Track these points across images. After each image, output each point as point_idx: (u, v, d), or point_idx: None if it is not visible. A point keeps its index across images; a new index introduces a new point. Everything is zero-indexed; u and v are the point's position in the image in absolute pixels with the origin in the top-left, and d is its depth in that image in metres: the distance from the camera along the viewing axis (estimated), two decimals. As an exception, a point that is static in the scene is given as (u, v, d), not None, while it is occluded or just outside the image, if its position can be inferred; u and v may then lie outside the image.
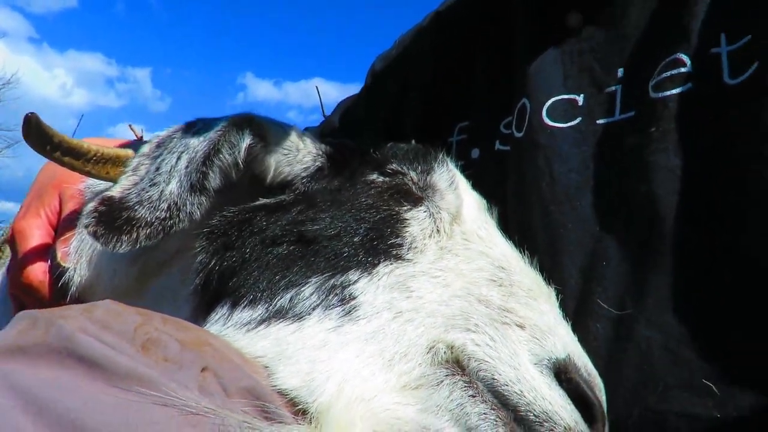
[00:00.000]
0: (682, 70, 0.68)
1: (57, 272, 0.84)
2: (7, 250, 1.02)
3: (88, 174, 0.79)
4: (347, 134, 1.18)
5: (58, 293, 0.84)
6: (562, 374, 0.54)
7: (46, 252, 0.87)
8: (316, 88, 3.03)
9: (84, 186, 0.90)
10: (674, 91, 0.68)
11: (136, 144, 1.06)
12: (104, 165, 0.79)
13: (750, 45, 0.64)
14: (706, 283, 0.61)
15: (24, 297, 0.90)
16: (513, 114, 0.86)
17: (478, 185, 0.84)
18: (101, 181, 0.83)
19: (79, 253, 0.84)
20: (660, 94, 0.69)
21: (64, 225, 0.88)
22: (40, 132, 0.70)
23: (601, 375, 0.58)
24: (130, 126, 2.61)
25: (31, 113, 0.69)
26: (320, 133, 1.27)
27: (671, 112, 0.67)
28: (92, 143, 0.84)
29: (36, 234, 0.88)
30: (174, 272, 0.77)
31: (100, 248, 0.81)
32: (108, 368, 0.38)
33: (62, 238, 0.86)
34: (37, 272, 0.85)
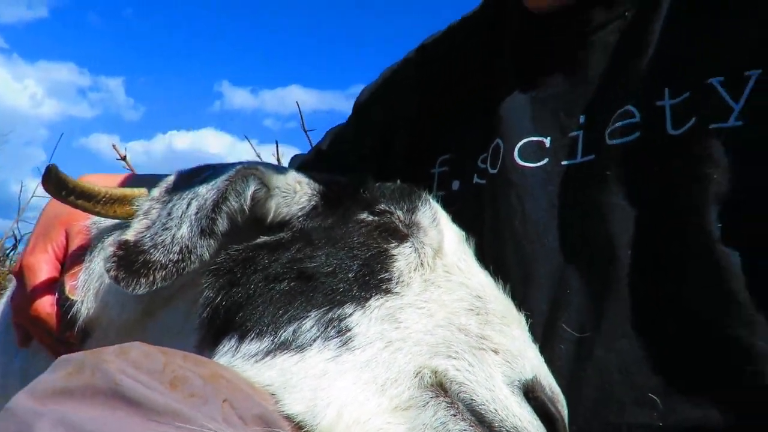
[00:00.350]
0: (632, 120, 0.78)
1: (65, 305, 0.89)
2: (13, 280, 1.08)
3: (98, 214, 0.86)
4: (336, 162, 1.25)
5: (66, 325, 0.90)
6: (530, 393, 0.63)
7: (53, 285, 0.93)
8: (297, 103, 3.11)
9: (89, 222, 0.96)
10: (626, 139, 0.78)
11: (136, 179, 1.12)
12: (112, 205, 0.86)
13: (689, 101, 0.74)
14: (653, 325, 0.70)
15: (31, 328, 0.95)
16: (488, 151, 0.95)
17: (458, 216, 0.93)
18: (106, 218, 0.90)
19: (86, 287, 0.89)
20: (614, 141, 0.79)
21: (71, 260, 0.94)
22: (58, 181, 0.77)
23: (564, 391, 0.67)
24: (113, 146, 2.65)
25: (52, 165, 0.76)
26: (311, 160, 1.34)
27: (624, 159, 0.77)
28: (101, 185, 0.91)
29: (44, 268, 0.94)
30: (179, 306, 0.83)
31: (108, 283, 0.87)
32: (147, 406, 0.45)
33: (70, 272, 0.92)
34: (46, 305, 0.91)
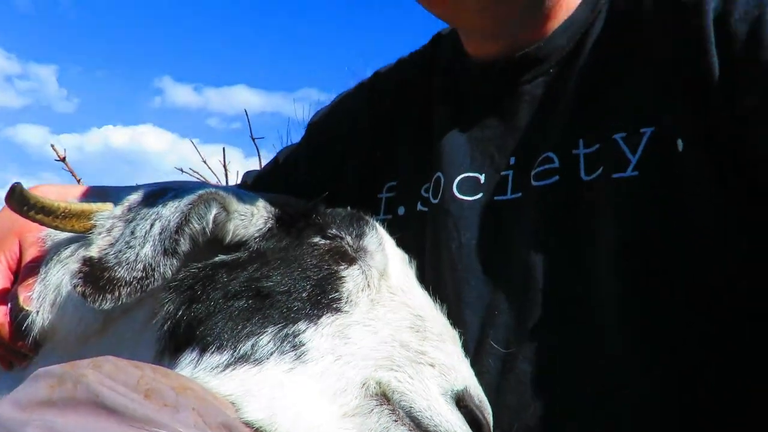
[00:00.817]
0: (552, 165, 0.90)
1: (18, 316, 0.91)
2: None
3: (56, 228, 0.89)
4: (290, 181, 1.31)
5: (18, 335, 0.92)
6: (461, 402, 0.73)
7: (6, 296, 0.95)
8: (245, 111, 3.12)
9: (44, 234, 0.98)
10: (546, 182, 0.89)
11: (92, 192, 1.14)
12: (70, 219, 0.89)
13: (598, 152, 0.86)
14: (562, 343, 0.82)
15: (-18, 338, 0.96)
16: (431, 182, 1.05)
17: (402, 240, 1.02)
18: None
19: (42, 298, 0.91)
20: (537, 183, 0.90)
21: (25, 271, 0.96)
22: (21, 198, 0.80)
23: (490, 399, 0.78)
24: (52, 146, 2.58)
25: (17, 183, 0.79)
26: (266, 176, 1.39)
27: (544, 199, 0.89)
28: (57, 197, 0.93)
29: None
30: (137, 317, 0.87)
31: (65, 295, 0.90)
32: (127, 414, 0.50)
33: (24, 283, 0.94)
34: None
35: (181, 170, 3.03)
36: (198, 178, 2.96)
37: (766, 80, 0.72)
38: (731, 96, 0.75)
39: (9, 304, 0.93)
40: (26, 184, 0.85)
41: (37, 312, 0.90)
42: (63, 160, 2.62)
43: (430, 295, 0.93)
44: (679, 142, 0.78)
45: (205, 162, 2.99)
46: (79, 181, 2.64)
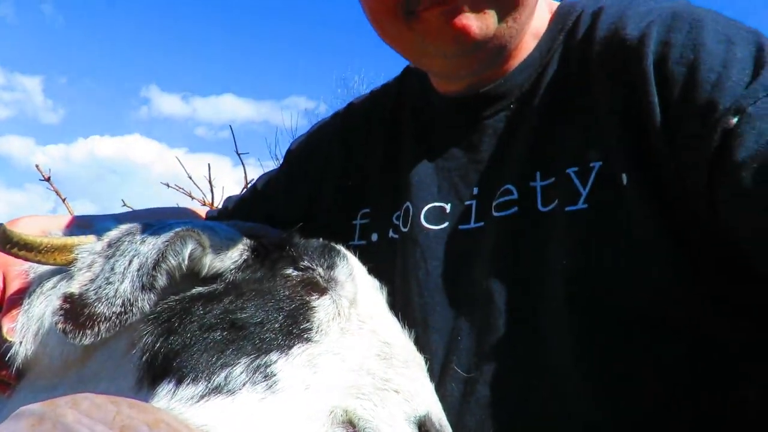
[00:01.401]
0: (511, 197, 0.95)
1: (2, 346, 0.95)
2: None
3: (39, 262, 0.92)
4: (269, 207, 1.35)
5: (1, 364, 0.95)
6: (423, 427, 0.77)
7: (-11, 327, 0.98)
8: (230, 127, 3.16)
9: (28, 267, 1.02)
10: (506, 213, 0.94)
11: (78, 224, 1.18)
12: (52, 253, 0.92)
13: (554, 185, 0.91)
14: (519, 368, 0.87)
15: (-34, 367, 0.99)
16: (401, 210, 1.10)
17: (376, 266, 1.06)
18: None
19: (25, 330, 0.95)
20: (497, 214, 0.95)
21: (9, 302, 0.99)
22: (4, 237, 0.84)
23: (453, 422, 0.83)
24: (36, 166, 2.60)
25: (1, 225, 0.83)
26: (246, 201, 1.43)
27: (504, 228, 0.93)
28: (41, 228, 0.97)
29: None
30: (117, 347, 0.90)
31: (48, 327, 0.93)
32: (101, 451, 0.54)
33: (8, 315, 0.97)
34: None
35: (168, 185, 3.06)
36: (184, 194, 2.99)
37: (698, 122, 0.77)
38: (670, 135, 0.80)
39: None
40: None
41: (21, 343, 0.94)
42: (48, 180, 2.64)
43: (399, 321, 0.98)
44: (624, 177, 0.83)
45: (190, 178, 3.02)
46: (63, 200, 2.67)
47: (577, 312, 0.83)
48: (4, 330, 0.95)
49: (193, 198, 3.01)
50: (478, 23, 0.90)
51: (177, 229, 0.85)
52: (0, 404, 0.99)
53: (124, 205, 2.87)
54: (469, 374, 0.88)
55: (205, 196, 3.03)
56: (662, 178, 0.80)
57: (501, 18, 0.92)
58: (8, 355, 0.93)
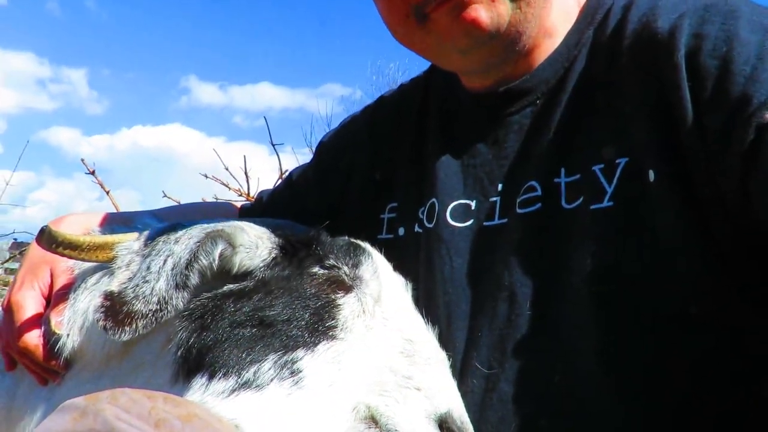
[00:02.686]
0: (535, 194, 0.94)
1: (51, 338, 1.01)
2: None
3: (82, 260, 0.98)
4: (300, 200, 1.38)
5: (51, 355, 1.02)
6: (444, 424, 0.79)
7: (39, 320, 1.04)
8: (265, 118, 3.21)
9: (72, 263, 1.08)
10: (529, 209, 0.94)
11: (112, 219, 1.24)
12: (94, 251, 0.98)
13: (579, 182, 0.90)
14: (541, 364, 0.87)
15: (19, 357, 1.06)
16: (426, 206, 1.11)
17: (402, 260, 1.08)
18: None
19: (71, 323, 1.01)
20: (521, 210, 0.95)
21: (56, 297, 1.06)
22: (50, 237, 0.89)
23: (474, 416, 0.84)
24: (82, 160, 2.71)
25: (47, 226, 0.88)
26: (279, 194, 1.47)
27: (527, 225, 0.93)
28: (84, 226, 1.02)
29: (31, 305, 1.05)
30: (154, 342, 0.95)
31: (92, 320, 0.99)
32: (138, 444, 0.58)
33: (55, 309, 1.03)
34: (33, 338, 1.02)
35: (206, 176, 3.15)
36: (221, 184, 3.07)
37: (731, 116, 0.75)
38: (702, 129, 0.78)
39: (43, 328, 1.03)
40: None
41: (67, 335, 1.00)
42: (93, 173, 2.76)
43: (424, 317, 0.99)
44: (651, 173, 0.82)
45: (227, 169, 3.10)
46: (107, 192, 2.78)
47: (601, 309, 0.83)
48: (53, 323, 1.01)
49: (229, 188, 3.09)
50: (488, 13, 0.90)
51: (208, 230, 0.88)
52: (50, 391, 1.06)
53: (165, 195, 2.97)
54: (491, 370, 0.90)
55: (241, 186, 3.10)
56: (691, 173, 0.79)
57: (514, 4, 0.92)
58: (57, 347, 1.00)
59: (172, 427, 0.62)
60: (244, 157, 2.91)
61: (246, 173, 2.98)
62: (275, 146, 3.10)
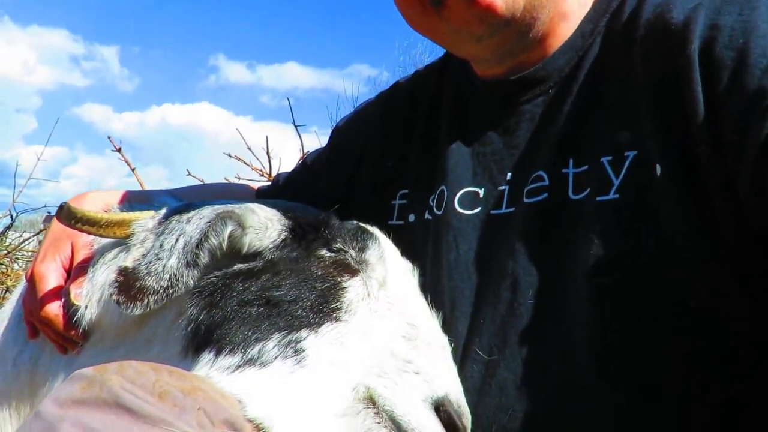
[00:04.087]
0: (542, 183, 0.94)
1: (70, 309, 1.05)
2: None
3: (100, 236, 1.02)
4: (313, 184, 1.40)
5: (71, 326, 1.06)
6: (441, 407, 0.81)
7: (60, 292, 1.09)
8: (288, 99, 3.23)
9: (92, 238, 1.12)
10: (536, 199, 0.94)
11: (137, 198, 1.27)
12: (112, 227, 1.01)
13: (587, 173, 0.89)
14: (542, 352, 0.87)
15: (41, 326, 1.11)
16: (436, 193, 1.11)
17: (411, 246, 1.09)
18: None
19: (89, 296, 1.05)
20: (528, 200, 0.95)
21: (76, 270, 1.10)
22: (69, 214, 0.93)
23: (473, 402, 0.85)
24: (109, 138, 2.77)
25: (66, 203, 0.92)
26: (295, 176, 1.49)
27: (534, 215, 0.93)
28: (105, 202, 1.06)
29: (52, 277, 1.10)
30: (167, 316, 0.99)
31: (109, 293, 1.03)
32: (141, 413, 0.61)
33: (75, 281, 1.08)
34: (53, 309, 1.06)
35: (229, 155, 3.19)
36: (244, 163, 3.11)
37: (747, 109, 0.73)
38: (715, 123, 0.76)
39: (63, 299, 1.07)
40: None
41: (86, 307, 1.04)
42: (119, 150, 2.82)
43: (429, 303, 1.01)
44: (658, 167, 0.81)
45: (249, 149, 3.14)
46: (133, 170, 2.85)
47: (603, 300, 0.83)
48: (72, 295, 1.05)
49: (252, 168, 3.14)
50: None
51: (219, 211, 0.90)
52: (71, 359, 1.11)
53: (189, 174, 3.03)
54: (491, 357, 0.90)
55: (263, 166, 3.14)
56: (700, 167, 0.78)
57: None
58: (75, 318, 1.04)
59: (174, 399, 0.65)
60: (267, 137, 2.95)
61: (268, 153, 3.01)
62: (297, 127, 3.12)
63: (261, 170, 3.13)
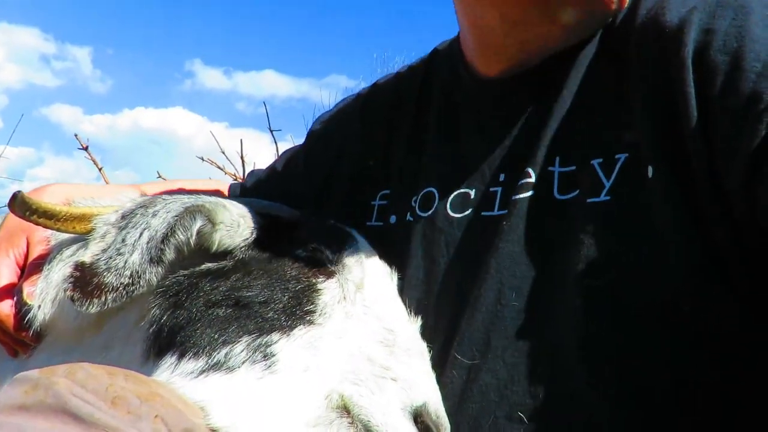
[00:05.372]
0: (530, 180, 0.91)
1: (23, 309, 0.98)
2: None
3: (58, 230, 0.95)
4: (288, 184, 1.35)
5: (21, 326, 0.99)
6: (419, 417, 0.76)
7: (12, 289, 1.01)
8: (264, 104, 3.18)
9: (50, 233, 1.05)
10: (523, 196, 0.91)
11: (100, 193, 1.20)
12: (71, 222, 0.94)
13: (574, 173, 0.87)
14: (527, 357, 0.84)
15: (-10, 327, 1.03)
16: (419, 195, 1.07)
17: (391, 249, 1.05)
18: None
19: (44, 294, 0.98)
20: (516, 197, 0.92)
21: (31, 267, 1.03)
22: (22, 203, 0.86)
23: (452, 409, 0.81)
24: (75, 135, 2.67)
25: (19, 191, 0.85)
26: (265, 178, 1.43)
27: (521, 214, 0.90)
28: (63, 204, 0.99)
29: (4, 273, 1.02)
30: (130, 316, 0.92)
31: (65, 293, 0.96)
32: (90, 421, 0.55)
33: (29, 279, 1.00)
34: (4, 307, 0.99)
35: (202, 159, 3.11)
36: (217, 167, 3.04)
37: (740, 114, 0.72)
38: (707, 127, 0.75)
39: (15, 298, 1.00)
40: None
41: (39, 306, 0.97)
42: (86, 149, 2.72)
43: (414, 306, 0.96)
44: (650, 169, 0.79)
45: (223, 152, 3.07)
46: (100, 169, 2.74)
47: (590, 303, 0.80)
48: (25, 293, 0.98)
49: (225, 173, 3.06)
50: None
51: (187, 204, 0.85)
52: (21, 364, 1.03)
53: (159, 176, 2.93)
54: (473, 361, 0.86)
55: (237, 170, 3.07)
56: (692, 171, 0.76)
57: None
58: (28, 318, 0.97)
59: (129, 406, 0.59)
60: (241, 141, 2.89)
61: (242, 157, 2.95)
62: (273, 132, 3.07)
63: (234, 175, 3.06)
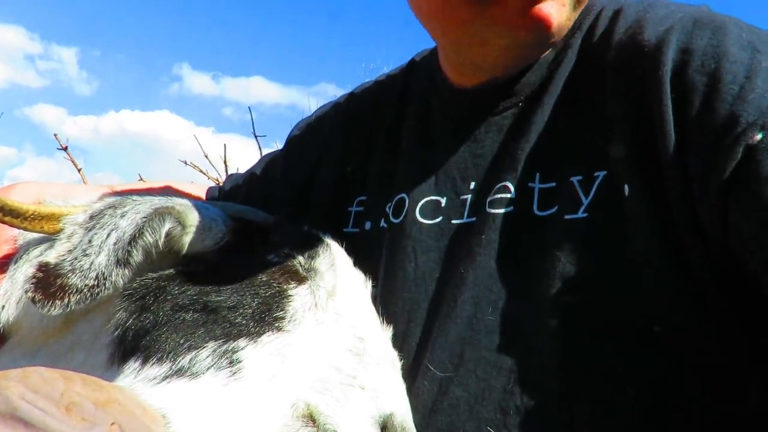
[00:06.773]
0: (507, 195, 0.91)
1: (-15, 310, 0.95)
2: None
3: (25, 229, 0.92)
4: (265, 189, 1.34)
5: None
6: (385, 427, 0.74)
7: (-24, 290, 0.99)
8: (249, 109, 3.16)
9: (18, 233, 1.02)
10: (500, 210, 0.90)
11: (73, 194, 1.18)
12: (39, 221, 0.92)
13: (554, 190, 0.87)
14: (498, 370, 0.83)
15: (-49, 327, 1.00)
16: (393, 201, 1.07)
17: (364, 254, 1.04)
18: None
19: (8, 295, 0.96)
20: (491, 210, 0.91)
21: None
22: (-13, 202, 0.83)
23: (422, 421, 0.80)
24: (55, 135, 2.63)
25: (-17, 188, 0.83)
26: (243, 183, 1.42)
27: (497, 227, 0.90)
28: (31, 203, 0.97)
29: None
30: (96, 320, 0.90)
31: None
32: (41, 428, 0.53)
33: (-7, 279, 0.98)
34: None
35: (185, 162, 3.08)
36: (200, 171, 3.01)
37: (719, 135, 0.72)
38: (685, 147, 0.75)
39: None
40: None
41: (3, 307, 0.94)
42: (65, 149, 2.68)
43: (384, 314, 0.95)
44: (626, 187, 0.79)
45: (206, 157, 3.04)
46: (79, 170, 2.71)
47: (566, 320, 0.79)
48: None
49: (208, 177, 3.03)
50: (558, 14, 0.85)
51: (157, 206, 0.83)
52: (-17, 367, 1.00)
53: (140, 179, 2.90)
54: (445, 373, 0.85)
55: (219, 175, 3.04)
56: (669, 190, 0.76)
57: (574, 7, 0.88)
58: (-11, 319, 0.94)
59: (84, 412, 0.57)
60: (224, 145, 2.86)
61: (225, 162, 2.92)
62: (258, 138, 3.05)
63: (217, 179, 3.03)
